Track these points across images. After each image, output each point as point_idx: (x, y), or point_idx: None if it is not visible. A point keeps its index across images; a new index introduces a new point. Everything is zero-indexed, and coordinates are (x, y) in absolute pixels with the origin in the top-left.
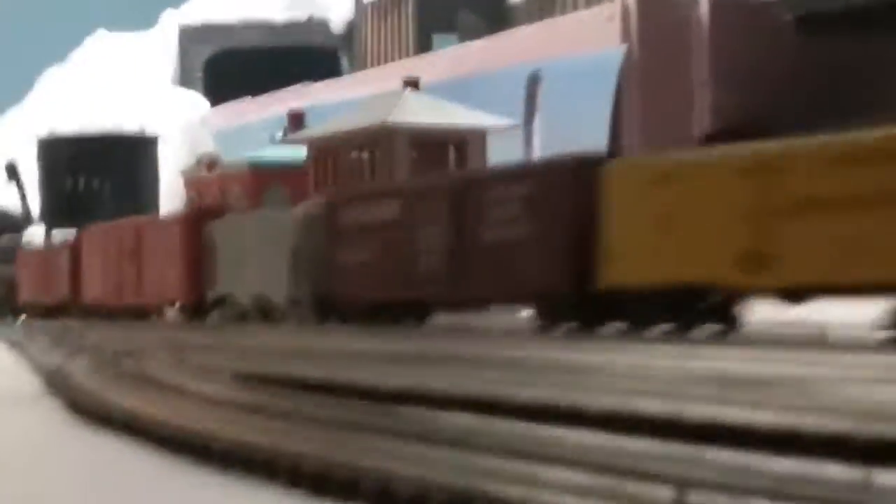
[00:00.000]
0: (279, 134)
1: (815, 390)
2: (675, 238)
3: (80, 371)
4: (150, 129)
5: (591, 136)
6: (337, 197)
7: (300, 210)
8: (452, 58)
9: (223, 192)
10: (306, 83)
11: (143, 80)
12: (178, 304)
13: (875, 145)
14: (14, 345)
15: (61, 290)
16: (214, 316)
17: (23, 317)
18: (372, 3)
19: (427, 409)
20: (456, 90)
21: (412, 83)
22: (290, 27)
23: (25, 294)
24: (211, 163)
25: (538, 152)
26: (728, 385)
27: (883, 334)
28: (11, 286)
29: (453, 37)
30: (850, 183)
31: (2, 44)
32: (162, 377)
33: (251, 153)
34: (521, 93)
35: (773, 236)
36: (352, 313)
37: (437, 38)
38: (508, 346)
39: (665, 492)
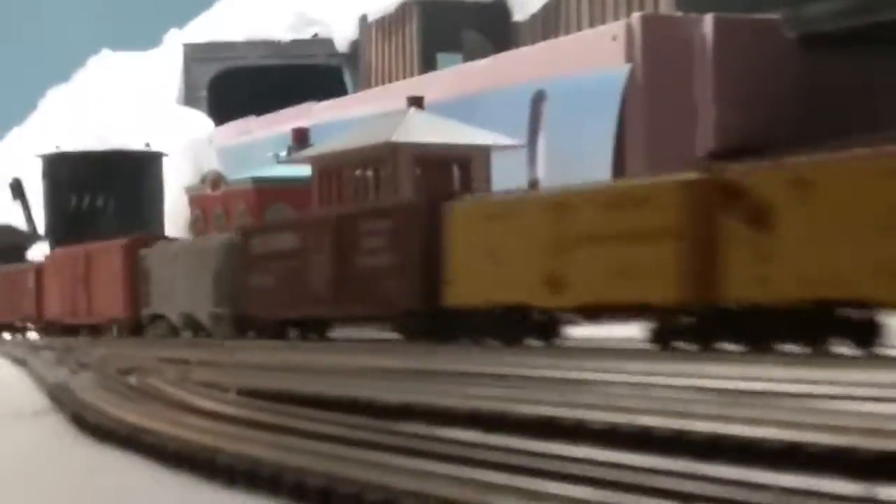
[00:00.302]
0: (283, 152)
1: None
2: (500, 266)
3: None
4: (155, 147)
5: (596, 155)
6: (250, 228)
7: (221, 239)
8: (456, 76)
9: (227, 209)
10: (311, 102)
11: (147, 98)
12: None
13: (630, 193)
14: None
15: (28, 308)
16: (149, 332)
17: None
18: (376, 22)
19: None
20: (460, 109)
21: (416, 102)
22: (295, 46)
23: None
24: (215, 180)
25: (542, 170)
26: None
27: (648, 347)
28: None
29: (457, 56)
30: (616, 222)
31: (6, 63)
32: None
33: (255, 171)
34: (525, 111)
35: (566, 263)
36: (264, 329)
37: (441, 56)
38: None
39: None
